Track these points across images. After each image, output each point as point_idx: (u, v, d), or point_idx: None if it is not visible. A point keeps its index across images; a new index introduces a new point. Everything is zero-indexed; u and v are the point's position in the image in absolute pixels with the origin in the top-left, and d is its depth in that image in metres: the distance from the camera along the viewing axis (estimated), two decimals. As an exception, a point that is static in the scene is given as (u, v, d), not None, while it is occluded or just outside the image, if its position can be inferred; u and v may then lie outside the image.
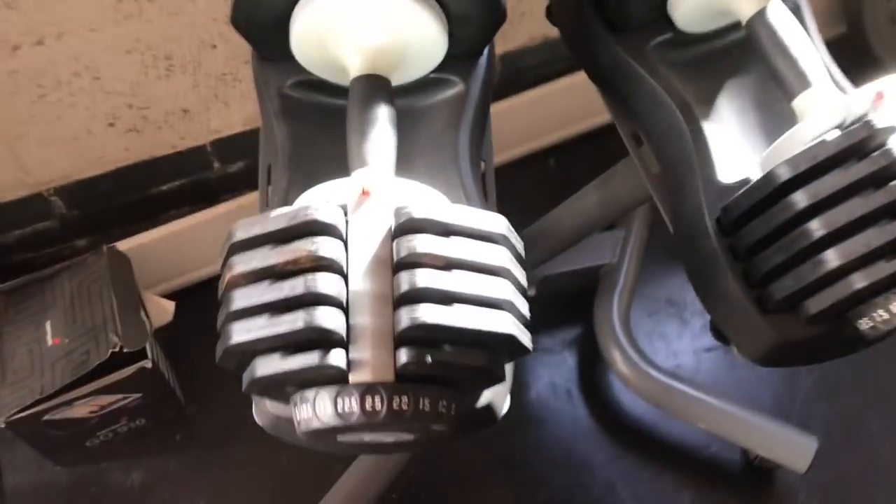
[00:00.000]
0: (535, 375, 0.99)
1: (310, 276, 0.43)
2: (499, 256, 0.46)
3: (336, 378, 0.44)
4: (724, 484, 0.88)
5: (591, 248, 0.99)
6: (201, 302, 0.93)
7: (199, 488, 0.94)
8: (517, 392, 0.97)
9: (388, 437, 0.49)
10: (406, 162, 0.58)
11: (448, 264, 0.44)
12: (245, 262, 0.45)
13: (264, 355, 0.45)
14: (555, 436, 0.92)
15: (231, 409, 0.97)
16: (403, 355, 0.43)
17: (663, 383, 0.90)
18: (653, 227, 1.02)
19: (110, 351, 0.86)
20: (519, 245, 0.49)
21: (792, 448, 0.81)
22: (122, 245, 0.99)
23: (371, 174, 0.52)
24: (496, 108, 0.85)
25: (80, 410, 0.88)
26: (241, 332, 0.44)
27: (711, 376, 0.96)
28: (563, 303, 1.05)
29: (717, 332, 0.60)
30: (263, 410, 0.54)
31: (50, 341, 0.87)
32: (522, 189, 1.03)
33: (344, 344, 0.44)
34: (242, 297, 0.45)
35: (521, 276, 0.48)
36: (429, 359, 0.43)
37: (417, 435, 0.48)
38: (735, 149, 0.61)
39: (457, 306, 0.44)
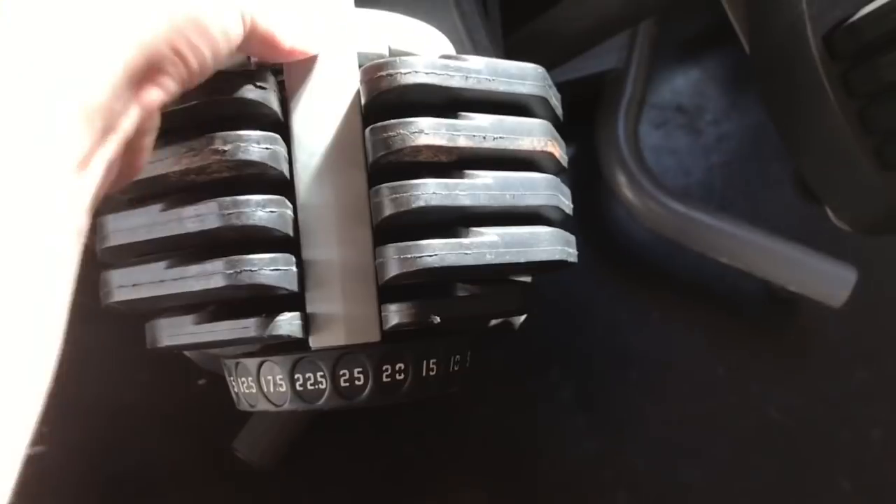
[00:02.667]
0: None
1: (226, 199, 0.25)
2: (536, 134, 0.29)
3: (289, 346, 0.28)
4: (741, 319, 0.76)
5: (593, 52, 0.79)
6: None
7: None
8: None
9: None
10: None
11: (461, 159, 0.27)
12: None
13: (169, 317, 0.28)
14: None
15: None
16: (397, 310, 0.27)
17: (677, 211, 0.75)
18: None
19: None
20: (558, 104, 0.31)
21: (828, 281, 0.69)
22: None
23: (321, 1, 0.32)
24: None
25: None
26: (126, 288, 0.27)
27: (727, 196, 0.82)
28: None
29: (804, 187, 0.44)
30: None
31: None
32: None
33: (297, 296, 0.27)
34: (122, 226, 0.27)
35: (563, 153, 0.31)
36: (435, 317, 0.27)
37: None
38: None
39: (476, 230, 0.27)
